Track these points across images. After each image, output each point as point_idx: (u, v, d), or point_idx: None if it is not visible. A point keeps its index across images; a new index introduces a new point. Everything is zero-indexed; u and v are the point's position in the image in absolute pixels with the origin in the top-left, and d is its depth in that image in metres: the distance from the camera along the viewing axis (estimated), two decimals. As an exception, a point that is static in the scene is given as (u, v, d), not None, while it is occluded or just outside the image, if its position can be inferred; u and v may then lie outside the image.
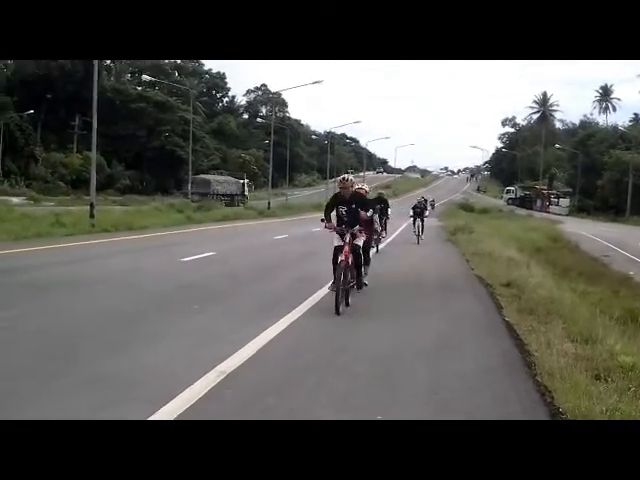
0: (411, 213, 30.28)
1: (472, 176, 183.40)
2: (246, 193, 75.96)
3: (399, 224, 36.46)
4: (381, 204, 22.22)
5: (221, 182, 72.64)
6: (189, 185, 65.17)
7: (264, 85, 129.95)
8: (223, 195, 68.34)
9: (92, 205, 29.59)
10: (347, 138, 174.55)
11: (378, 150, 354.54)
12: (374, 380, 6.89)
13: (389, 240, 28.11)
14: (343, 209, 11.64)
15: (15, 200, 43.53)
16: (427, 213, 31.55)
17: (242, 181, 77.32)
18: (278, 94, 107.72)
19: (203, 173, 79.28)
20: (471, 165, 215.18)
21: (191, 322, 9.59)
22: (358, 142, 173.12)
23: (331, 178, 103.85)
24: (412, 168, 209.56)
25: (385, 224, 24.33)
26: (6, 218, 25.88)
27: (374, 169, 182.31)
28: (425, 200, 32.46)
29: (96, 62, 33.34)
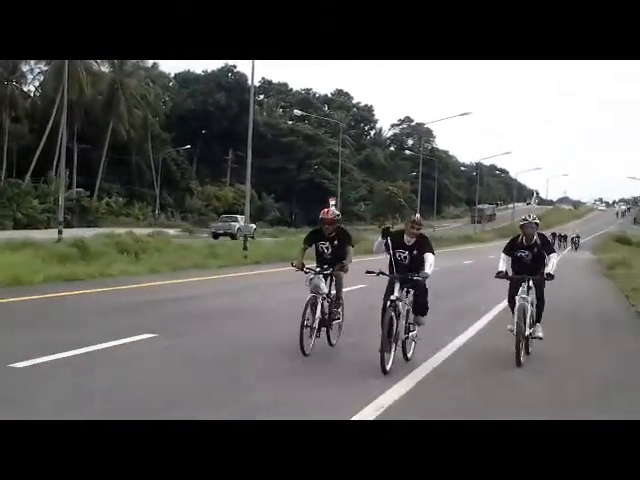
0: (502, 266, 10.30)
1: (629, 208, 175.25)
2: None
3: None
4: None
5: (487, 208, 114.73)
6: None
7: (408, 117, 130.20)
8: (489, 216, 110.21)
9: (245, 237, 30.32)
10: (496, 169, 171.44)
11: (529, 181, 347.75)
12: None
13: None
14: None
15: (171, 232, 45.25)
16: (552, 265, 10.08)
17: (492, 206, 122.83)
18: (422, 125, 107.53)
19: (350, 205, 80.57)
20: (628, 196, 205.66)
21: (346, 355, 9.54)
22: (508, 173, 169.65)
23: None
24: (564, 199, 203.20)
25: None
26: (165, 250, 26.85)
27: (524, 201, 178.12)
28: (537, 224, 10.20)
29: (251, 98, 34.23)
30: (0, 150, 65.93)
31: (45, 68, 71.92)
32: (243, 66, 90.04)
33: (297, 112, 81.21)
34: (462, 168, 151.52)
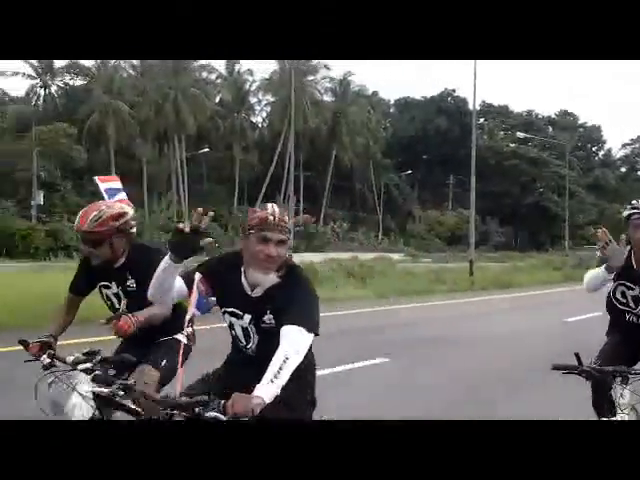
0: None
1: None
2: None
3: None
4: None
5: None
6: (566, 241, 64.93)
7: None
8: None
9: (471, 262, 29.70)
10: None
11: None
12: None
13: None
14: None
15: (395, 257, 45.42)
16: None
17: None
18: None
19: (579, 229, 77.98)
20: None
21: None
22: None
23: None
24: None
25: None
26: (389, 274, 26.93)
27: None
28: None
29: (473, 121, 33.71)
30: (232, 179, 69.73)
31: (272, 99, 75.43)
32: (463, 90, 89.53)
33: (520, 134, 79.41)
34: None
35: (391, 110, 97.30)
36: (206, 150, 62.73)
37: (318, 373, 6.06)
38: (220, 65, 74.44)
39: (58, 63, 68.80)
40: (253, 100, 76.57)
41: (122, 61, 67.59)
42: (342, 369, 9.51)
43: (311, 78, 75.25)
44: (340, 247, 58.82)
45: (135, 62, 68.56)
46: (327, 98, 77.86)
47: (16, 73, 67.36)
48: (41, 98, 70.19)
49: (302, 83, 68.56)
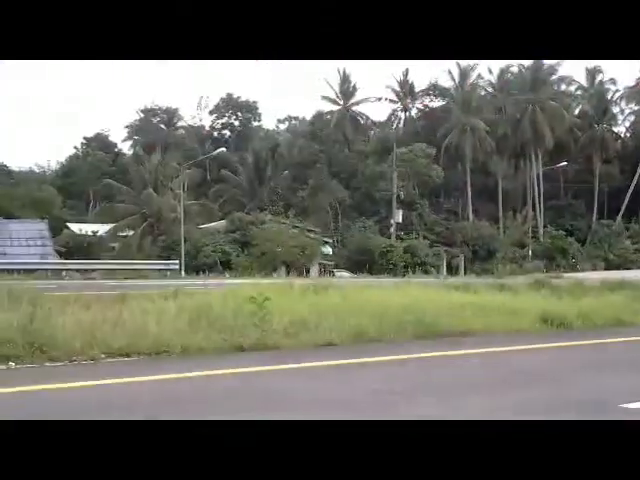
0: None
1: None
2: None
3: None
4: None
5: None
6: None
7: None
8: None
9: None
10: None
11: None
12: None
13: None
14: None
15: None
16: None
17: None
18: None
19: None
20: None
21: None
22: None
23: None
24: None
25: None
26: None
27: None
28: None
29: None
30: (591, 192, 67.32)
31: (636, 108, 71.64)
32: None
33: None
34: None
35: None
36: (564, 164, 61.25)
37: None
38: (580, 76, 72.42)
39: (418, 86, 71.85)
40: (616, 110, 73.19)
41: (480, 79, 68.66)
42: None
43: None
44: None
45: (493, 79, 69.18)
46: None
47: (379, 99, 71.60)
48: (401, 121, 73.71)
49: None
